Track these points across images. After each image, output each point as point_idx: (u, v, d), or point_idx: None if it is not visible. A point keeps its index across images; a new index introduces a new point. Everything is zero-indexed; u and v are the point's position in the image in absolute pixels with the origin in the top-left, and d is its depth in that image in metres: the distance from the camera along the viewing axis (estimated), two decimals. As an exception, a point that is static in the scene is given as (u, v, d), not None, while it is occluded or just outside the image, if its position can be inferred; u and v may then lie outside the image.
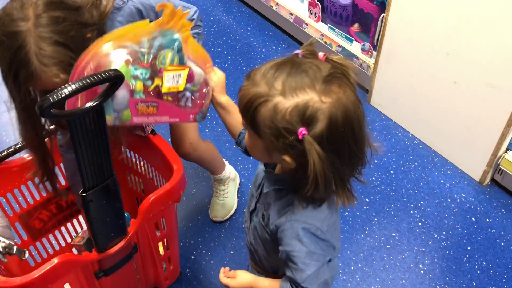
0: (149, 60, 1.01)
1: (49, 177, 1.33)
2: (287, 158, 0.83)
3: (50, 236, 1.59)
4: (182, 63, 1.07)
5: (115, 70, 0.80)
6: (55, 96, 0.76)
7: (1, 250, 0.72)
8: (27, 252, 0.79)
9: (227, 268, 1.09)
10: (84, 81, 0.75)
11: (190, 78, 1.09)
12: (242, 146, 1.14)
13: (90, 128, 0.86)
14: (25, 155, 1.40)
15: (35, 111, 0.76)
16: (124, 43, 1.00)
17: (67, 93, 0.77)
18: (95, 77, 0.75)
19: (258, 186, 1.04)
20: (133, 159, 1.53)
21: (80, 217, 1.66)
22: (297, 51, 0.85)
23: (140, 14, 1.27)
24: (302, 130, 0.78)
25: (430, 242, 1.79)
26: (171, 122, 1.16)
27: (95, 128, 0.87)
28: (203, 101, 1.15)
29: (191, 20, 1.35)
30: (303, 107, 0.78)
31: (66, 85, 0.78)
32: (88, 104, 0.83)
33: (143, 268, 1.41)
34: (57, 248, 1.63)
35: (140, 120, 1.05)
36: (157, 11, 1.09)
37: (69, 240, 1.66)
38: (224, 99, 1.15)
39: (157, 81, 1.05)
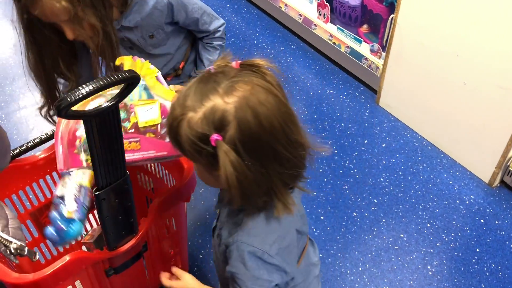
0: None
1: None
2: (220, 173, 0.76)
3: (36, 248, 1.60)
4: (150, 97, 1.07)
5: (131, 71, 0.81)
6: (72, 97, 0.77)
7: (12, 251, 0.73)
8: (38, 253, 0.80)
9: (175, 269, 1.07)
10: (100, 82, 0.76)
11: (164, 113, 1.07)
12: None
13: (105, 128, 0.87)
14: (37, 153, 1.41)
15: (39, 38, 0.77)
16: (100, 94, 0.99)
17: (84, 94, 0.78)
18: (111, 78, 0.76)
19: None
20: (143, 158, 1.54)
21: (90, 215, 1.67)
22: (209, 68, 0.82)
23: (170, 9, 1.28)
24: (213, 136, 0.75)
25: (438, 244, 1.78)
26: (160, 158, 1.13)
27: (110, 128, 0.88)
28: None
29: (217, 32, 1.37)
30: (209, 113, 0.75)
31: (83, 85, 0.79)
32: (104, 105, 0.84)
33: (152, 267, 1.41)
34: (67, 245, 1.64)
35: (127, 159, 1.02)
36: (117, 65, 1.09)
37: (78, 238, 1.67)
38: None
39: (133, 119, 1.05)
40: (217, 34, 1.43)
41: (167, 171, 1.45)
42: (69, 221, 1.09)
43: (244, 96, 0.75)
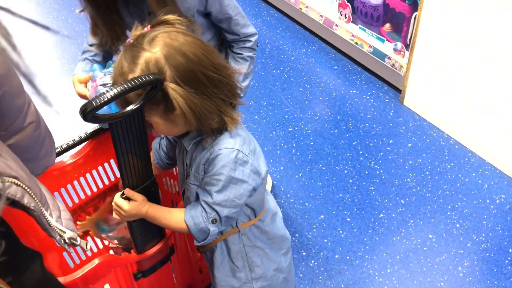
0: None
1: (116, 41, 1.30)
2: (175, 111, 0.89)
3: (88, 238, 1.62)
4: None
5: (155, 74, 0.81)
6: (97, 101, 0.77)
7: (67, 241, 0.78)
8: (89, 243, 0.86)
9: (127, 190, 1.06)
10: (125, 85, 0.77)
11: None
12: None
13: (131, 131, 0.88)
14: (65, 159, 1.43)
15: None
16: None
17: (109, 97, 0.78)
18: (136, 81, 0.77)
19: (182, 156, 1.08)
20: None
21: (117, 220, 1.68)
22: (128, 40, 0.93)
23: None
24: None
25: (469, 244, 1.74)
26: None
27: (136, 131, 0.89)
28: None
29: (248, 41, 1.38)
30: (145, 67, 0.87)
31: (107, 89, 0.80)
32: (129, 108, 0.84)
33: (179, 270, 1.42)
34: (95, 250, 1.66)
35: None
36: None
37: (106, 242, 1.68)
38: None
39: None
40: (248, 44, 1.39)
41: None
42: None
43: (166, 42, 0.88)
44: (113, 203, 1.05)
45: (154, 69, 0.86)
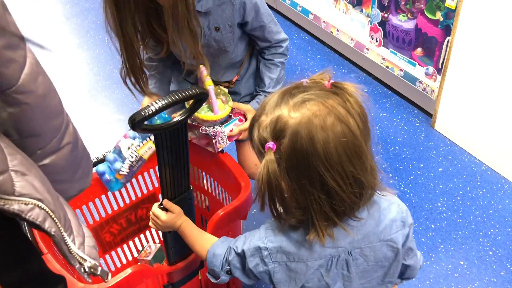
0: None
1: (135, 76, 1.29)
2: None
3: (118, 250, 1.64)
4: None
5: (199, 87, 0.83)
6: (146, 111, 0.80)
7: (86, 270, 0.74)
8: (110, 274, 0.83)
9: (165, 201, 1.05)
10: (171, 98, 0.79)
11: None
12: None
13: (174, 142, 0.90)
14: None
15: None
16: None
17: (156, 109, 0.82)
18: (181, 94, 0.79)
19: None
20: (200, 177, 1.57)
21: (147, 232, 1.70)
22: (303, 80, 0.83)
23: (243, 7, 1.26)
24: (268, 144, 0.77)
25: (502, 273, 1.70)
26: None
27: (178, 142, 0.91)
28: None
29: (279, 46, 1.39)
30: (274, 121, 0.78)
31: (154, 102, 0.83)
32: (175, 119, 0.87)
33: (207, 284, 1.42)
34: (124, 262, 1.67)
35: None
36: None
37: (135, 254, 1.70)
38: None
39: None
40: (280, 50, 1.39)
41: (223, 189, 1.47)
42: (116, 178, 1.36)
43: (308, 116, 0.76)
44: (151, 213, 1.07)
45: (277, 131, 0.77)
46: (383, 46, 2.37)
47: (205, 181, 1.57)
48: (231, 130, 1.37)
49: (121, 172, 1.35)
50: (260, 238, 0.90)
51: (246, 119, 1.42)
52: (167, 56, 1.38)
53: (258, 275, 0.92)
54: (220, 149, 1.36)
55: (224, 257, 0.96)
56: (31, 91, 0.60)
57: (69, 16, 3.28)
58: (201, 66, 1.35)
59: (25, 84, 0.58)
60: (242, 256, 0.93)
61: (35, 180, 0.64)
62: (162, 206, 1.04)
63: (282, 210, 0.83)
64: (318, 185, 0.77)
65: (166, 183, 0.97)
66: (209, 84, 1.32)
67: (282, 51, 1.40)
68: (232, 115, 1.41)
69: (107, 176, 1.37)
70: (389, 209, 0.90)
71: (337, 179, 0.76)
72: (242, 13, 1.27)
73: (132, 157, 1.33)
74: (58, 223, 0.66)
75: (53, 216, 0.64)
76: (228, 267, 0.96)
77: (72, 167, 0.73)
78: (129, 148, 1.34)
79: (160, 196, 1.60)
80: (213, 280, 1.01)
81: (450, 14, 1.94)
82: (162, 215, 1.04)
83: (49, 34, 3.09)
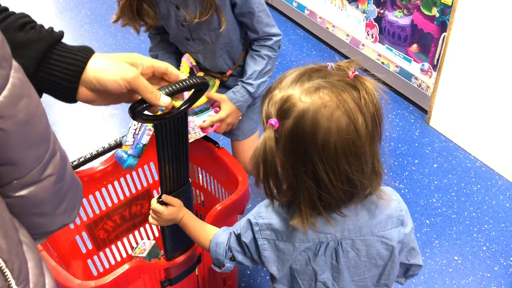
0: None
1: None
2: None
3: (113, 247, 1.63)
4: None
5: (201, 77, 0.82)
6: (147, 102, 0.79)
7: None
8: None
9: (164, 196, 1.04)
10: (170, 88, 0.78)
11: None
12: None
13: (174, 133, 0.89)
14: (95, 165, 1.45)
15: None
16: None
17: None
18: (181, 83, 0.78)
19: None
20: (195, 172, 1.56)
21: (141, 229, 1.69)
22: (329, 64, 0.81)
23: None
24: (271, 121, 0.77)
25: (496, 268, 1.71)
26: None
27: (178, 134, 0.90)
28: None
29: (268, 39, 1.34)
30: (284, 100, 0.77)
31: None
32: (175, 111, 0.85)
33: (204, 280, 1.42)
34: (119, 259, 1.67)
35: None
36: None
37: (130, 251, 1.69)
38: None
39: None
40: (268, 43, 1.34)
41: (219, 185, 1.46)
42: (125, 151, 1.32)
43: (317, 103, 0.74)
44: (151, 209, 1.06)
45: (283, 109, 0.76)
46: (378, 42, 2.37)
47: (200, 176, 1.56)
48: (204, 121, 1.34)
49: (127, 143, 1.32)
50: (253, 213, 0.92)
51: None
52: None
53: (255, 253, 0.92)
54: (191, 140, 1.33)
55: (226, 244, 0.98)
56: (9, 116, 0.52)
57: (63, 10, 3.25)
58: (186, 54, 1.36)
59: (1, 108, 0.51)
60: (240, 236, 0.94)
61: None
62: (161, 200, 1.03)
63: (274, 190, 0.83)
64: (310, 173, 0.76)
65: (166, 176, 0.96)
66: (183, 71, 1.31)
67: (271, 44, 1.34)
68: (210, 107, 1.38)
69: (118, 153, 1.35)
70: (387, 205, 0.90)
71: (329, 173, 0.76)
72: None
73: (134, 124, 1.31)
74: (7, 274, 0.56)
75: (2, 267, 0.55)
76: (230, 253, 0.97)
77: (54, 200, 0.64)
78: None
79: (155, 192, 1.61)
80: (218, 270, 1.01)
81: (446, 10, 1.94)
82: (163, 210, 1.04)
83: (42, 28, 3.05)
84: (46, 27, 0.70)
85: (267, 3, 3.01)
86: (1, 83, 0.50)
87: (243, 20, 1.32)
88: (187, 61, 1.36)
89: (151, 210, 1.06)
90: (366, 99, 0.75)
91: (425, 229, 1.85)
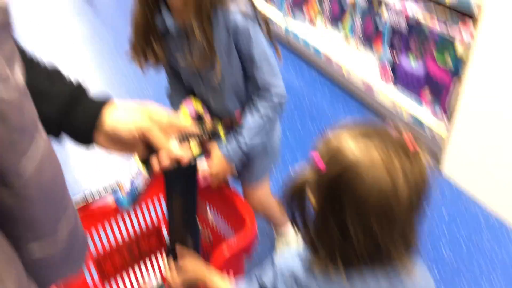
0: None
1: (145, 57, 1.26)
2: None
3: (119, 280, 1.62)
4: None
5: (213, 128, 0.84)
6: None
7: None
8: None
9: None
10: (181, 137, 0.80)
11: None
12: None
13: (184, 183, 0.90)
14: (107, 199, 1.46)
15: None
16: None
17: None
18: (190, 132, 0.80)
19: None
20: (204, 210, 1.56)
21: (149, 266, 1.68)
22: (390, 127, 0.80)
23: (236, 31, 1.19)
24: (320, 163, 0.78)
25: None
26: None
27: (188, 183, 0.91)
28: None
29: (267, 91, 1.28)
30: (336, 149, 0.77)
31: None
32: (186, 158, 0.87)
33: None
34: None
35: None
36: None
37: (136, 287, 1.68)
38: None
39: None
40: (265, 94, 1.25)
41: (226, 221, 1.45)
42: (122, 195, 1.36)
43: (367, 160, 0.74)
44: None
45: (332, 156, 0.77)
46: (393, 88, 2.39)
47: (208, 214, 1.56)
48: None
49: (124, 187, 1.36)
50: (277, 254, 0.91)
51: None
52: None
53: None
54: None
55: None
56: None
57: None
58: (189, 99, 1.35)
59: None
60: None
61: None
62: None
63: (301, 224, 0.84)
64: (339, 221, 0.76)
65: (174, 226, 0.97)
66: (183, 115, 1.32)
67: (269, 96, 1.26)
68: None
69: (114, 194, 1.39)
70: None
71: (357, 228, 0.75)
72: (235, 32, 1.19)
73: (131, 173, 1.33)
74: None
75: None
76: None
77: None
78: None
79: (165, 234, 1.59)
80: None
81: (460, 60, 1.96)
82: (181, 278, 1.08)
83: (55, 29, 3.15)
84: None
85: (282, 44, 3.07)
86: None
87: (245, 65, 1.27)
88: (188, 109, 1.34)
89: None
90: (416, 171, 0.75)
91: (433, 279, 1.81)
